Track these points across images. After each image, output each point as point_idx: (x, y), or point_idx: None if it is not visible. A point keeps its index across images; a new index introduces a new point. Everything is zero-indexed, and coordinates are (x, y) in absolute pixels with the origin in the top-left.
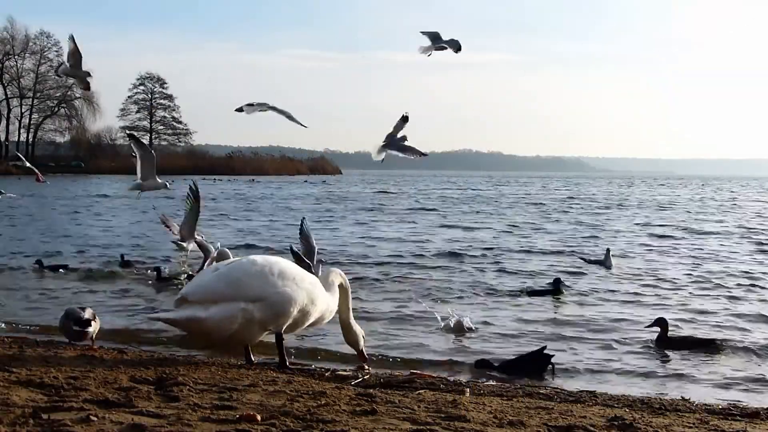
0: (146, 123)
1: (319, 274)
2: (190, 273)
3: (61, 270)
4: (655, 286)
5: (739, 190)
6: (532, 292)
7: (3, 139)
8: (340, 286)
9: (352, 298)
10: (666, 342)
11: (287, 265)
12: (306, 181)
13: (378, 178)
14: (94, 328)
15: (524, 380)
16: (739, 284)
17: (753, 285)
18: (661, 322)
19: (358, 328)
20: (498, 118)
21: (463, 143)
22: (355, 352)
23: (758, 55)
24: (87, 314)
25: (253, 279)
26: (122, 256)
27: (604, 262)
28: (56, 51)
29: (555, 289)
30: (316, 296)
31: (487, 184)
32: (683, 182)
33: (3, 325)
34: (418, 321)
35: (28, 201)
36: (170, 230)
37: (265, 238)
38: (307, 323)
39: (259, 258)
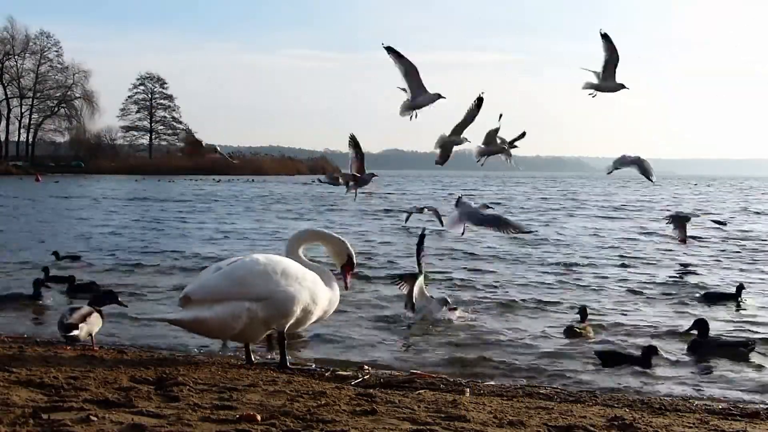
0: (146, 123)
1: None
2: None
3: None
4: None
5: None
6: (711, 296)
7: (3, 139)
8: (314, 239)
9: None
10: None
11: (290, 263)
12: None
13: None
14: (81, 331)
15: (524, 380)
16: None
17: None
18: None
19: (342, 244)
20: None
21: (463, 143)
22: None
23: (759, 55)
24: (74, 318)
25: (257, 278)
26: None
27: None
28: (56, 51)
29: (736, 294)
30: (317, 294)
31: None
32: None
33: None
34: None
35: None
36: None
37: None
38: (309, 322)
39: (261, 257)
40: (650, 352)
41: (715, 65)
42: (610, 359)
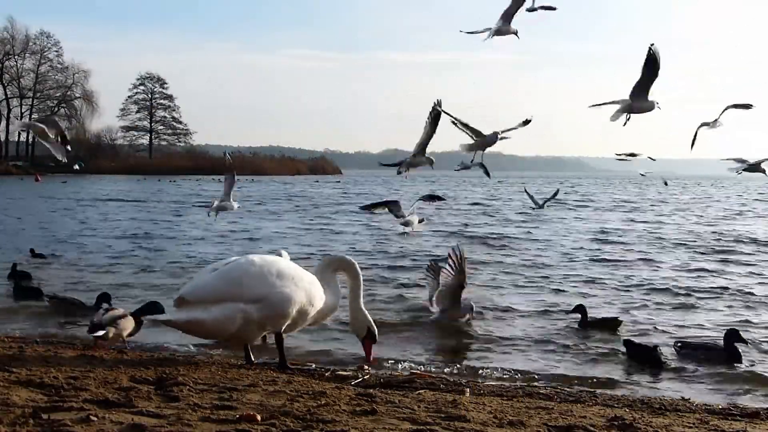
0: (146, 123)
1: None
2: None
3: None
4: None
5: None
6: None
7: (3, 139)
8: (346, 271)
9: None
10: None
11: (286, 264)
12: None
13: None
14: (109, 333)
15: (524, 380)
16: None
17: None
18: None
19: (363, 317)
20: (498, 118)
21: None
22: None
23: (759, 55)
24: (103, 319)
25: (252, 279)
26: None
27: None
28: (56, 51)
29: None
30: (314, 296)
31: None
32: None
33: None
34: None
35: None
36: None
37: None
38: (306, 323)
39: (257, 258)
40: (654, 351)
41: (715, 65)
42: (636, 353)
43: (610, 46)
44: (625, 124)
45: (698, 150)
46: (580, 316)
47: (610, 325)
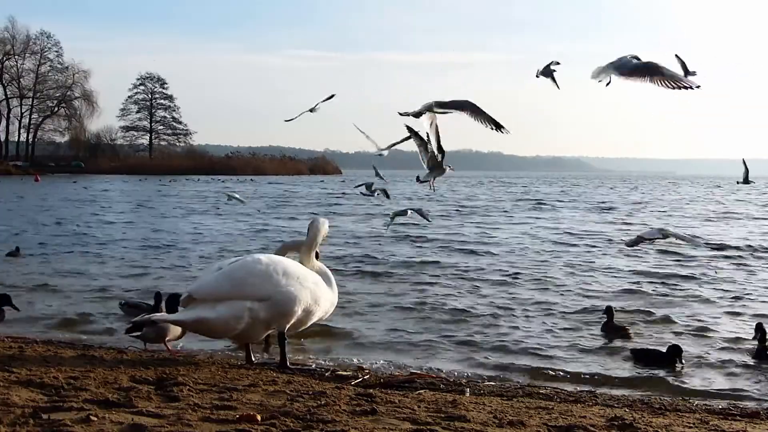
0: (146, 123)
1: None
2: None
3: None
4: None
5: None
6: None
7: (3, 139)
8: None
9: None
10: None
11: (291, 264)
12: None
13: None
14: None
15: (524, 380)
16: None
17: None
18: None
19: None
20: (498, 118)
21: (463, 143)
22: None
23: (759, 54)
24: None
25: (258, 278)
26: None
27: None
28: (56, 51)
29: None
30: (319, 295)
31: None
32: None
33: None
34: None
35: None
36: None
37: None
38: (311, 322)
39: (263, 257)
40: (675, 352)
41: (714, 65)
42: (643, 357)
43: (610, 47)
44: (607, 84)
45: (698, 150)
46: (606, 317)
47: (627, 333)
